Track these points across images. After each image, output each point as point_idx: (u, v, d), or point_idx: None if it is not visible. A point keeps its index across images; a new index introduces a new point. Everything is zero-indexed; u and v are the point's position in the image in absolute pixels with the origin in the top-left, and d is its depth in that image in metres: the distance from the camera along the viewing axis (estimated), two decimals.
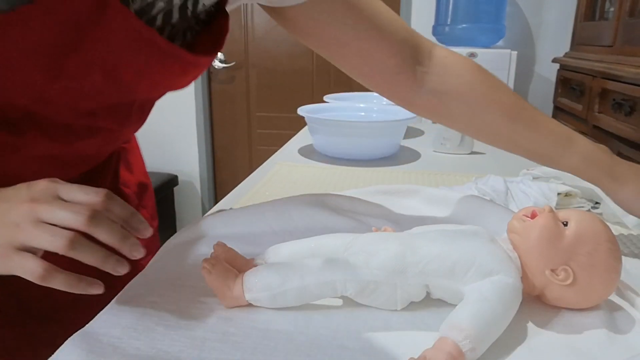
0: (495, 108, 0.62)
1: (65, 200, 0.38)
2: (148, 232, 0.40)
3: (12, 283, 0.40)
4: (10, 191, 0.39)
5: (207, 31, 0.55)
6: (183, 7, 0.50)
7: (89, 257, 0.38)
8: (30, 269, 0.37)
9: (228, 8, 0.56)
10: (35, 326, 0.60)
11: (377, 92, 0.66)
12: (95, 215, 0.37)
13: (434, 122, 0.69)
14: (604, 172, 0.59)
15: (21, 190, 0.39)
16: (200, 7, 0.52)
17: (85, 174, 0.63)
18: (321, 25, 0.59)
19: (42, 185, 0.38)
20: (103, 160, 0.66)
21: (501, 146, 0.65)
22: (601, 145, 0.61)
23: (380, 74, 0.63)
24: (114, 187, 0.69)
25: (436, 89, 0.62)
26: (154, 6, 0.47)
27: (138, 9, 0.46)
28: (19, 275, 0.38)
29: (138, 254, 0.39)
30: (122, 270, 0.39)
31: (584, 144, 0.60)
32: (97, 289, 0.39)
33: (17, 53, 0.41)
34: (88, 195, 0.38)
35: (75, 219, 0.37)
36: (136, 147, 0.78)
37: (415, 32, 0.63)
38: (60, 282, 0.38)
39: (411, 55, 0.61)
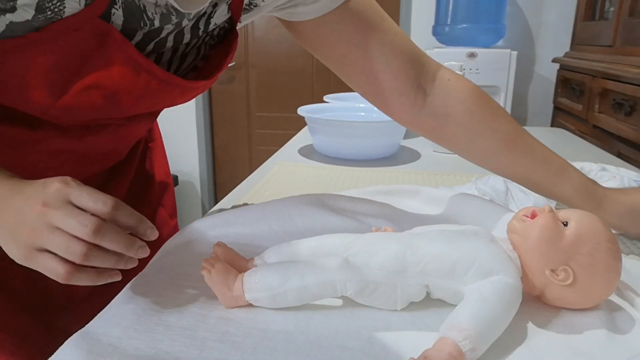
0: (493, 135, 0.63)
1: (76, 205, 0.40)
2: (154, 235, 0.42)
3: (33, 273, 0.42)
4: (28, 189, 0.41)
5: (220, 48, 0.57)
6: (194, 27, 0.52)
7: (100, 264, 0.40)
8: (53, 270, 0.39)
9: (240, 25, 0.57)
10: (52, 315, 0.62)
11: (378, 109, 0.67)
12: (100, 229, 0.39)
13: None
14: (594, 204, 0.60)
15: (37, 189, 0.40)
16: (212, 25, 0.53)
17: (108, 171, 0.65)
18: (329, 42, 0.60)
19: (54, 187, 0.40)
20: (123, 157, 0.67)
21: (497, 171, 0.66)
22: (590, 179, 0.62)
23: (382, 93, 0.63)
24: (136, 185, 0.71)
25: (436, 112, 0.63)
26: (162, 29, 0.49)
27: (146, 32, 0.48)
28: (44, 272, 0.40)
29: (143, 254, 0.41)
30: (131, 265, 0.42)
31: (576, 175, 0.61)
32: (116, 277, 0.42)
33: (22, 75, 0.44)
34: (97, 205, 0.40)
35: (82, 231, 0.38)
36: (161, 146, 0.79)
37: (421, 53, 0.63)
38: (82, 280, 0.40)
39: (415, 77, 0.62)
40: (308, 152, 1.15)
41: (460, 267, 0.44)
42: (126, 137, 0.64)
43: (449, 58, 1.36)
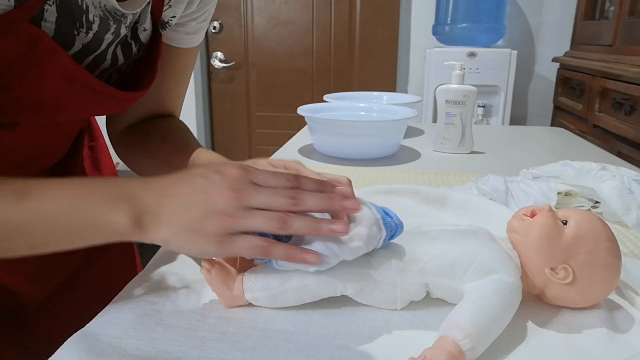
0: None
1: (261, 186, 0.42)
2: (346, 189, 0.44)
3: None
4: (200, 181, 0.42)
5: (148, 57, 0.57)
6: (126, 45, 0.52)
7: (299, 230, 0.41)
8: (255, 246, 0.41)
9: (164, 30, 0.59)
10: (2, 326, 0.60)
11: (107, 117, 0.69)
12: (297, 194, 0.41)
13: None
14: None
15: (213, 178, 0.41)
16: (140, 30, 0.54)
17: (50, 173, 0.61)
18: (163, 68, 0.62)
19: (236, 174, 0.41)
20: (65, 151, 0.64)
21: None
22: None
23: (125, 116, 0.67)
24: None
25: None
26: (102, 40, 0.48)
27: (86, 44, 0.46)
28: (240, 255, 0.41)
29: (350, 205, 0.42)
30: (337, 228, 0.41)
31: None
32: (314, 258, 0.41)
33: None
34: (280, 181, 0.42)
35: (281, 203, 0.41)
36: (104, 145, 0.77)
37: (173, 108, 0.70)
38: (280, 253, 0.41)
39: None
40: (308, 151, 1.15)
41: (460, 266, 0.44)
42: (65, 124, 0.61)
43: (449, 57, 1.36)
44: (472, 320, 0.39)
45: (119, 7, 0.47)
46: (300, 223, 0.41)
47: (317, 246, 0.42)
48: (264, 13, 2.59)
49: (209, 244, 0.41)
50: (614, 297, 0.49)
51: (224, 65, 2.71)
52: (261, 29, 2.64)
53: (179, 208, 0.41)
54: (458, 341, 0.38)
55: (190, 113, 2.75)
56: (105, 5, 0.46)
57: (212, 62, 2.71)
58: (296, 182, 0.42)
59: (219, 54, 2.70)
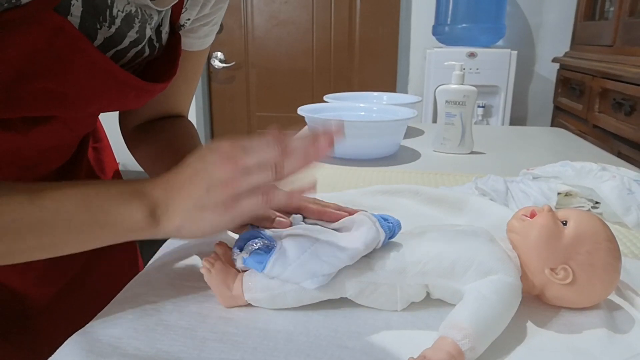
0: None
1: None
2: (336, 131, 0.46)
3: None
4: (196, 163, 0.43)
5: (166, 53, 0.57)
6: (150, 43, 0.52)
7: (292, 168, 0.43)
8: (258, 201, 0.42)
9: (181, 29, 0.59)
10: (6, 326, 0.60)
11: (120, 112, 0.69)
12: (283, 145, 0.43)
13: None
14: None
15: (207, 157, 0.43)
16: (163, 34, 0.55)
17: (55, 177, 0.62)
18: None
19: (227, 146, 0.43)
20: (69, 156, 0.64)
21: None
22: None
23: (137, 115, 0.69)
24: None
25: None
26: (124, 37, 0.48)
27: (107, 38, 0.46)
28: (247, 214, 0.42)
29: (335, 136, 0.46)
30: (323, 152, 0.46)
31: None
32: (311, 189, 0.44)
33: None
34: (268, 142, 0.43)
35: (272, 155, 0.42)
36: (108, 147, 0.77)
37: (181, 109, 0.72)
38: (281, 198, 0.43)
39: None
40: None
41: (460, 267, 0.44)
42: (72, 129, 0.60)
43: (449, 58, 1.36)
44: (472, 321, 0.39)
45: (150, 5, 0.47)
46: (291, 163, 0.43)
47: (314, 264, 0.43)
48: (264, 13, 2.59)
49: (218, 215, 0.42)
50: (614, 297, 0.49)
51: (224, 65, 2.71)
52: (261, 29, 2.64)
53: (183, 192, 0.43)
54: (457, 341, 0.38)
55: (190, 113, 2.74)
56: (135, 1, 0.46)
57: (212, 62, 2.71)
58: (280, 139, 0.44)
59: (219, 54, 2.70)
